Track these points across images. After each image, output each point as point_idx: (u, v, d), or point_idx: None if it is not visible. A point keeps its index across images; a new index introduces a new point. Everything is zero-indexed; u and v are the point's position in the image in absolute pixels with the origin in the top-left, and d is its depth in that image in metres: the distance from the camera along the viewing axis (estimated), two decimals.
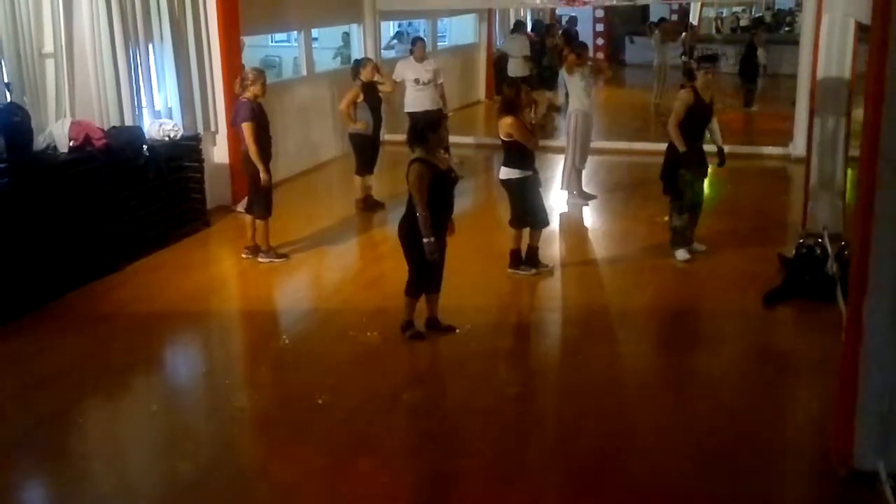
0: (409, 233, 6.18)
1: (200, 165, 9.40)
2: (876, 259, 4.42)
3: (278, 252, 8.40)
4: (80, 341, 6.69)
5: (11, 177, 7.10)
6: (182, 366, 6.78)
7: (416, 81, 10.98)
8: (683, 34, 19.49)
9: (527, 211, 7.70)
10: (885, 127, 4.28)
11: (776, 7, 24.10)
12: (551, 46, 17.03)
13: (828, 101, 8.19)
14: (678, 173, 7.90)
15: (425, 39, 13.20)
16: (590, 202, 10.20)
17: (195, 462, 5.05)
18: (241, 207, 9.13)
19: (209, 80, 9.88)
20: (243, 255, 8.39)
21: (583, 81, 10.00)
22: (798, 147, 11.42)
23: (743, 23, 23.14)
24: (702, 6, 22.80)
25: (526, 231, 7.79)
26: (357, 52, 13.27)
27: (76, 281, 7.58)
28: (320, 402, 5.65)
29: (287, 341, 6.79)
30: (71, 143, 7.83)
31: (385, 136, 11.00)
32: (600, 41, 24.88)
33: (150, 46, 9.18)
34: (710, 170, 8.21)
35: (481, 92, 18.16)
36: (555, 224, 8.98)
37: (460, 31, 18.51)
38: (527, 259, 7.84)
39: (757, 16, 22.92)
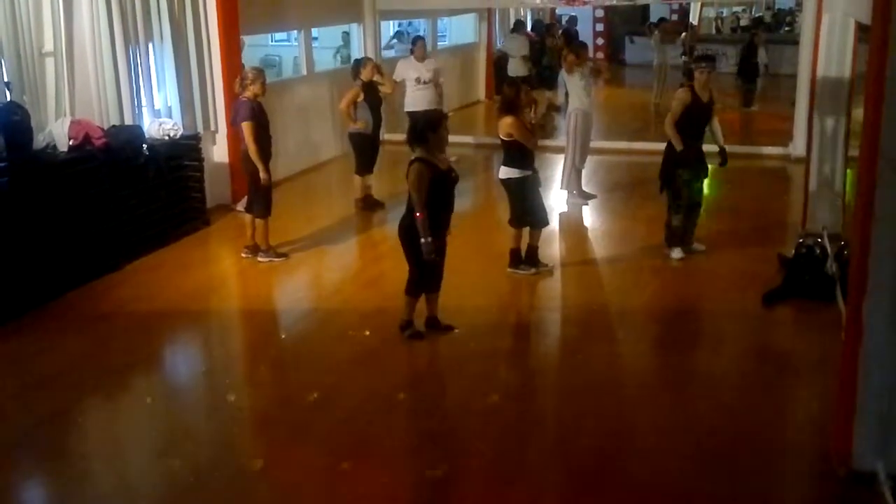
0: (409, 232, 6.18)
1: (200, 164, 9.40)
2: (875, 259, 4.42)
3: (278, 251, 8.40)
4: (80, 341, 6.69)
5: (11, 176, 7.10)
6: (182, 365, 6.78)
7: (418, 81, 10.98)
8: (683, 34, 19.49)
9: (526, 210, 7.70)
10: (884, 127, 4.28)
11: (776, 7, 24.10)
12: (551, 46, 17.04)
13: (828, 101, 8.19)
14: (676, 173, 7.91)
15: (426, 39, 13.19)
16: (589, 202, 10.21)
17: (195, 462, 5.04)
18: (240, 206, 9.14)
19: (209, 79, 9.88)
20: (243, 255, 8.39)
21: (582, 81, 10.00)
22: (798, 147, 11.42)
23: (743, 23, 23.15)
24: (702, 6, 22.82)
25: (526, 230, 7.80)
26: (357, 52, 13.27)
27: (76, 280, 7.58)
28: (315, 395, 5.67)
29: (286, 339, 6.80)
30: (71, 143, 7.83)
31: (385, 135, 10.99)
32: (600, 41, 24.91)
33: (150, 45, 9.19)
34: (710, 169, 8.22)
35: (481, 92, 18.16)
36: (554, 223, 8.98)
37: (460, 30, 18.51)
38: (526, 258, 7.84)
39: (757, 16, 22.92)
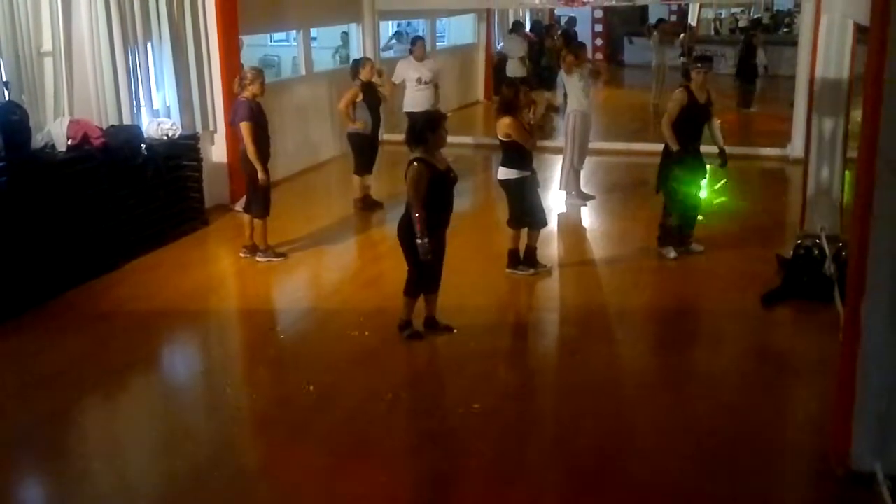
0: (408, 232, 6.18)
1: (199, 164, 9.40)
2: (874, 260, 4.42)
3: (276, 251, 8.40)
4: (79, 340, 6.68)
5: (9, 175, 7.10)
6: (181, 365, 6.78)
7: (419, 81, 10.97)
8: (682, 35, 19.50)
9: (525, 211, 7.71)
10: (883, 128, 4.29)
11: (775, 8, 24.11)
12: (550, 47, 17.05)
13: (826, 102, 8.20)
14: (672, 173, 7.93)
15: (425, 39, 13.19)
16: (588, 202, 10.21)
17: (194, 461, 5.05)
18: (239, 206, 9.14)
19: (208, 79, 9.88)
20: (241, 255, 8.39)
21: (581, 82, 10.01)
22: (796, 148, 11.43)
23: (742, 24, 23.16)
24: (700, 7, 22.82)
25: (524, 231, 7.80)
26: (356, 52, 13.27)
27: (75, 279, 7.58)
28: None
29: (284, 339, 6.80)
30: (69, 142, 7.82)
31: (384, 135, 10.99)
32: (599, 42, 24.92)
33: (149, 45, 9.18)
34: (708, 169, 8.23)
35: (480, 92, 18.17)
36: (553, 224, 8.99)
37: (459, 31, 18.52)
38: (525, 259, 7.84)
39: (756, 17, 22.93)
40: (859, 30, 7.33)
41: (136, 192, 8.40)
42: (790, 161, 11.74)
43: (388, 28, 17.30)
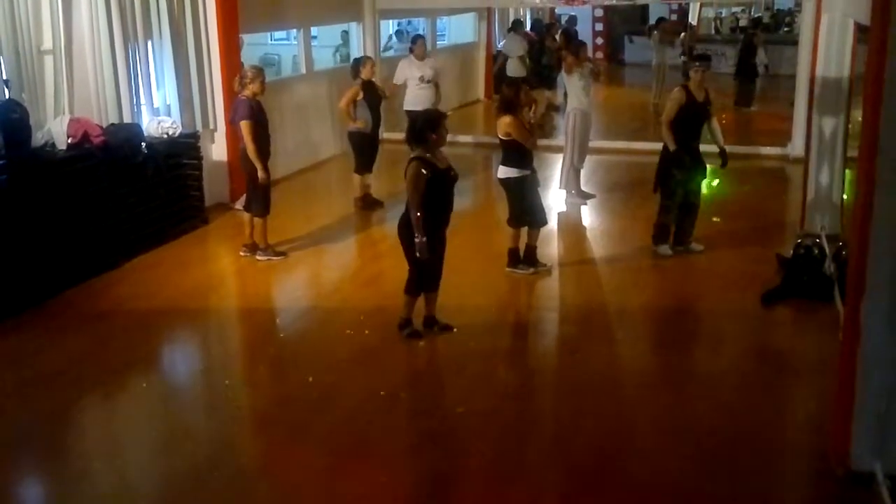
0: (408, 231, 6.18)
1: (199, 163, 9.40)
2: (873, 260, 4.42)
3: (276, 250, 8.40)
4: (79, 339, 6.68)
5: (10, 174, 7.10)
6: (181, 364, 6.78)
7: (421, 79, 10.96)
8: (682, 34, 19.49)
9: (525, 210, 7.70)
10: (883, 128, 4.29)
11: (775, 7, 24.10)
12: (550, 46, 17.03)
13: (826, 101, 8.20)
14: (670, 172, 7.93)
15: (425, 37, 13.18)
16: (588, 201, 10.21)
17: (194, 461, 5.05)
18: (239, 205, 9.14)
19: (208, 77, 9.87)
20: (241, 253, 8.39)
21: (581, 81, 10.00)
22: (796, 147, 11.43)
23: (742, 23, 23.15)
24: (701, 6, 22.82)
25: (524, 230, 7.80)
26: (356, 51, 13.26)
27: (75, 278, 7.58)
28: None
29: (284, 338, 6.81)
30: (69, 140, 7.82)
31: (384, 134, 10.98)
32: (600, 41, 24.92)
33: (149, 44, 9.18)
34: (709, 169, 8.23)
35: (480, 91, 18.16)
36: (553, 223, 8.99)
37: (459, 30, 18.50)
38: (525, 258, 7.84)
39: (756, 16, 22.93)
40: (860, 29, 7.33)
41: (137, 191, 8.40)
42: (790, 160, 11.74)
43: (389, 27, 17.29)
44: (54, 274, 7.39)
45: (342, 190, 10.65)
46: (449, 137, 6.42)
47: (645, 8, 22.95)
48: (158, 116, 9.17)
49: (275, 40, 15.41)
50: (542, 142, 10.10)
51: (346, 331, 6.70)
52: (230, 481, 4.85)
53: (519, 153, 7.55)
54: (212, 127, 10.02)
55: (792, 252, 7.50)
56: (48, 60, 8.05)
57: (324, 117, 12.39)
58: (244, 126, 7.94)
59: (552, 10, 21.23)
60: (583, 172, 10.41)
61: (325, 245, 8.86)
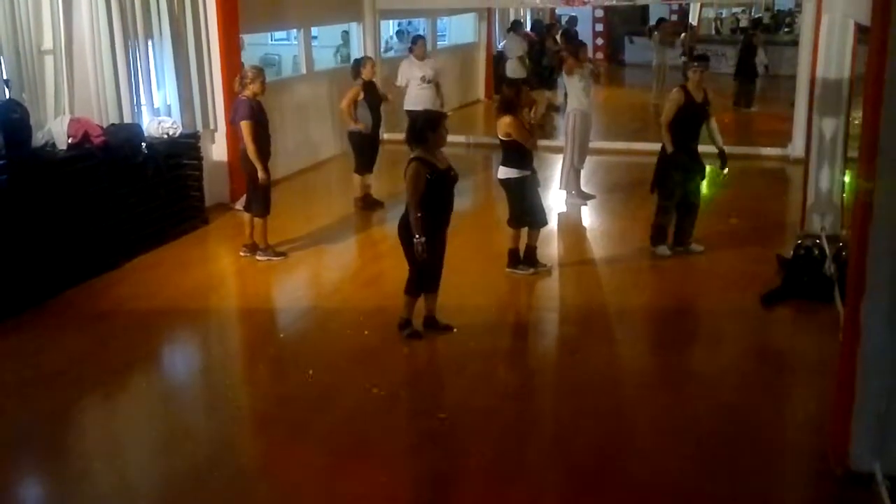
0: (408, 231, 6.18)
1: (199, 163, 9.41)
2: (873, 260, 4.43)
3: (276, 250, 8.40)
4: (79, 339, 6.68)
5: (10, 174, 7.10)
6: (181, 364, 6.78)
7: (422, 79, 10.96)
8: (683, 35, 19.50)
9: (525, 210, 7.71)
10: (883, 128, 4.29)
11: (776, 8, 24.11)
12: (550, 47, 17.03)
13: (827, 102, 8.20)
14: (668, 173, 7.94)
15: (425, 38, 13.18)
16: (588, 202, 10.21)
17: (194, 461, 5.05)
18: (239, 205, 9.14)
19: (208, 77, 9.88)
20: (241, 253, 8.39)
21: (582, 82, 10.00)
22: (797, 148, 11.44)
23: (743, 24, 23.17)
24: (701, 7, 22.83)
25: (524, 230, 7.80)
26: (357, 51, 13.27)
27: (75, 278, 7.58)
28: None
29: (284, 338, 6.81)
30: (70, 141, 7.83)
31: (384, 134, 10.98)
32: (600, 41, 24.93)
33: (150, 44, 9.19)
34: (708, 170, 8.23)
35: (481, 91, 18.16)
36: (553, 224, 8.99)
37: (460, 30, 18.51)
38: (525, 258, 7.84)
39: (756, 17, 22.93)
40: (860, 30, 7.33)
41: (137, 191, 8.40)
42: (791, 161, 11.74)
43: (389, 27, 17.29)
44: (55, 274, 7.39)
45: (342, 190, 10.66)
46: (449, 138, 6.42)
47: (645, 8, 22.97)
48: (159, 116, 9.17)
49: (275, 40, 15.42)
50: (543, 142, 10.10)
51: (346, 331, 6.70)
52: (230, 481, 4.85)
53: (519, 154, 7.55)
54: (212, 127, 10.03)
55: (792, 253, 7.50)
56: (48, 60, 8.06)
57: (324, 117, 12.40)
58: (244, 126, 7.94)
59: (552, 10, 21.24)
60: (583, 173, 10.41)
61: (325, 245, 8.86)
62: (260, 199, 8.19)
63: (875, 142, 4.32)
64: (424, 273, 6.38)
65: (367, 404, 5.61)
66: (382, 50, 14.79)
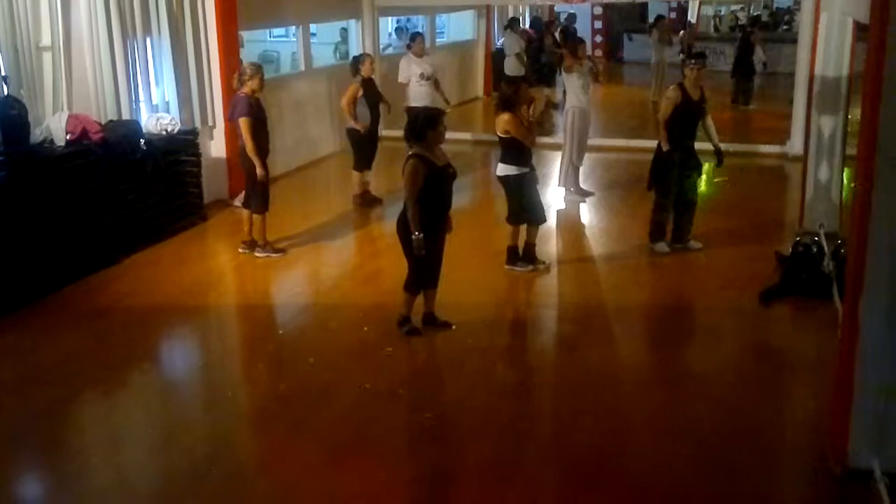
0: (407, 228, 6.18)
1: (198, 160, 9.40)
2: (872, 257, 4.43)
3: (275, 247, 8.40)
4: (78, 335, 6.68)
5: (8, 170, 7.09)
6: (179, 360, 6.77)
7: (421, 76, 10.95)
8: (682, 32, 19.50)
9: (524, 207, 7.70)
10: (882, 126, 4.29)
11: (774, 5, 24.12)
12: (549, 44, 17.03)
13: (825, 99, 8.20)
14: (664, 171, 7.94)
15: (424, 35, 13.17)
16: (587, 199, 10.21)
17: (193, 457, 5.05)
18: (238, 202, 9.14)
19: (207, 74, 9.87)
20: (240, 250, 8.39)
21: (580, 79, 10.00)
22: (795, 145, 11.44)
23: (742, 21, 23.19)
24: (700, 4, 22.85)
25: (523, 227, 7.80)
26: (355, 48, 13.25)
27: (73, 274, 7.58)
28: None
29: (283, 334, 6.81)
30: (68, 137, 7.82)
31: (383, 131, 10.97)
32: (599, 38, 24.93)
33: (148, 40, 9.17)
34: (707, 167, 8.23)
35: (479, 88, 18.16)
36: (552, 221, 8.99)
37: (459, 27, 18.49)
38: (524, 255, 7.84)
39: (755, 14, 22.95)
40: (859, 27, 7.33)
41: (135, 188, 8.40)
42: (789, 158, 11.75)
43: (388, 24, 17.28)
44: (53, 270, 7.39)
45: (341, 187, 10.66)
46: (448, 135, 6.42)
47: (644, 6, 22.98)
48: (157, 113, 9.16)
49: (274, 37, 15.41)
50: (541, 139, 10.11)
51: (344, 328, 6.70)
52: (228, 478, 4.85)
53: (518, 151, 7.55)
54: (210, 124, 10.02)
55: (791, 250, 7.51)
56: (47, 57, 8.05)
57: (323, 114, 12.39)
58: (243, 123, 7.93)
59: (551, 7, 21.23)
60: (581, 170, 10.42)
61: (323, 242, 8.85)
62: (259, 195, 8.18)
63: (874, 139, 4.31)
64: (423, 270, 6.38)
65: (365, 401, 5.61)
66: (382, 48, 14.77)
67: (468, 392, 5.77)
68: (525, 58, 15.97)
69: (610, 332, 6.87)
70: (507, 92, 7.67)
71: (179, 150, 9.13)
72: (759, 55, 16.85)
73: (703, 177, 8.40)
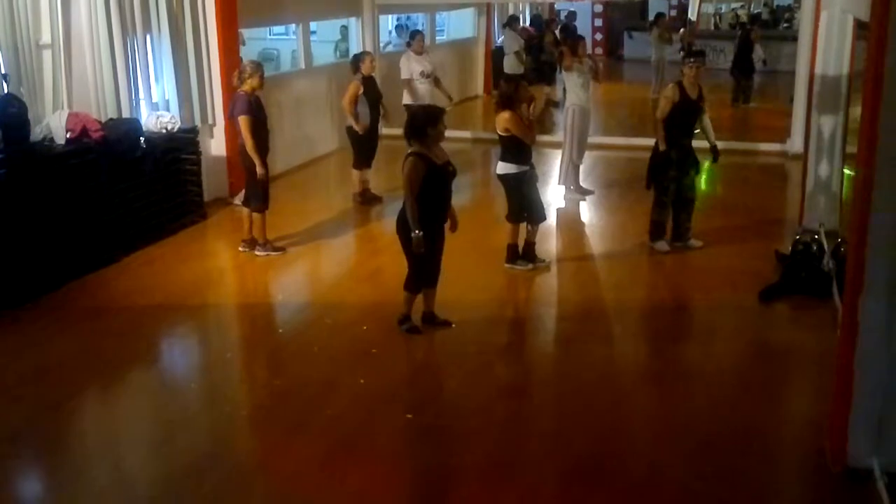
0: (406, 227, 6.18)
1: (197, 158, 9.40)
2: (872, 256, 4.42)
3: (275, 245, 8.39)
4: (77, 334, 6.68)
5: (8, 168, 7.09)
6: (179, 359, 6.77)
7: (421, 74, 10.96)
8: (682, 30, 19.50)
9: (524, 206, 7.70)
10: (882, 124, 4.29)
11: (775, 3, 24.11)
12: (550, 42, 17.02)
13: (826, 97, 8.20)
14: (661, 169, 7.94)
15: (424, 33, 13.16)
16: (587, 197, 10.21)
17: (192, 456, 5.04)
18: (238, 200, 9.13)
19: (207, 72, 9.86)
20: (240, 249, 8.39)
21: (580, 78, 9.99)
22: (795, 144, 11.43)
23: (743, 19, 23.18)
24: (700, 2, 22.82)
25: (523, 226, 7.80)
26: (355, 46, 13.25)
27: (73, 273, 7.58)
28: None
29: (283, 333, 6.81)
30: (68, 135, 7.82)
31: (383, 129, 10.98)
32: (599, 36, 24.93)
33: (148, 38, 9.17)
34: (706, 165, 8.23)
35: (480, 86, 18.15)
36: (552, 219, 8.99)
37: (459, 25, 18.49)
38: (524, 254, 7.84)
39: (756, 12, 22.94)
40: (859, 25, 7.33)
41: (135, 186, 8.40)
42: (789, 156, 11.74)
43: (388, 22, 17.28)
44: (53, 269, 7.38)
45: (341, 185, 10.66)
46: (449, 133, 6.41)
47: (644, 3, 22.97)
48: (157, 111, 9.16)
49: (273, 35, 15.40)
50: (541, 138, 10.10)
51: (344, 326, 6.70)
52: (228, 476, 4.85)
53: (518, 149, 7.55)
54: (210, 122, 10.02)
55: (790, 248, 7.51)
56: (47, 55, 8.04)
57: (322, 113, 12.38)
58: (242, 121, 7.93)
59: (552, 5, 21.22)
60: (581, 168, 10.41)
61: (323, 240, 8.85)
62: (259, 194, 8.18)
63: (874, 138, 4.31)
64: (423, 268, 6.38)
65: (365, 399, 5.61)
66: (383, 46, 14.76)
67: (467, 390, 5.77)
68: (524, 56, 15.94)
69: (610, 330, 6.86)
70: (507, 90, 7.67)
71: (179, 148, 9.13)
72: (758, 53, 16.83)
73: (702, 175, 8.37)
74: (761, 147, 12.57)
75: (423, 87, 10.94)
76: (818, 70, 8.22)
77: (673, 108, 7.85)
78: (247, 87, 8.00)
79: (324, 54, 14.26)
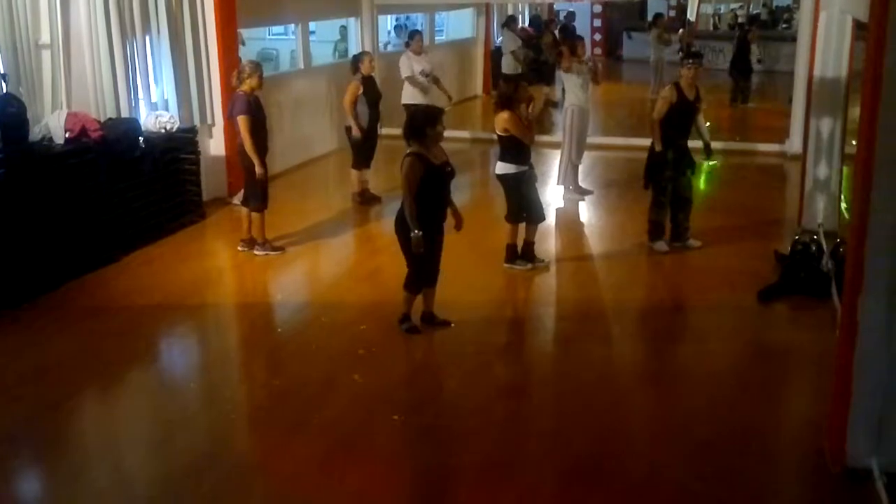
0: (405, 227, 6.18)
1: (196, 158, 9.40)
2: (871, 256, 4.42)
3: (274, 245, 8.39)
4: (76, 333, 6.67)
5: (7, 168, 7.08)
6: (178, 359, 6.77)
7: (422, 74, 10.96)
8: (681, 30, 19.52)
9: (523, 206, 7.71)
10: (881, 124, 4.29)
11: (774, 4, 24.12)
12: (548, 42, 17.02)
13: (825, 98, 8.21)
14: (658, 169, 7.95)
15: (423, 33, 13.17)
16: (586, 197, 10.21)
17: (191, 455, 5.04)
18: (236, 200, 9.13)
19: (206, 72, 9.86)
20: (239, 248, 8.38)
21: (579, 78, 10.00)
22: (794, 144, 11.44)
23: (741, 20, 23.19)
24: (699, 2, 22.83)
25: (522, 226, 7.80)
26: (355, 46, 13.25)
27: (72, 272, 7.57)
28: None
29: (282, 333, 6.81)
30: (67, 135, 7.81)
31: (382, 129, 10.98)
32: (598, 36, 24.93)
33: (147, 38, 9.16)
34: (705, 166, 8.24)
35: (479, 86, 18.15)
36: (551, 219, 8.99)
37: (458, 25, 18.49)
38: (523, 254, 7.84)
39: (755, 13, 22.94)
40: (858, 26, 7.33)
41: (134, 186, 8.40)
42: (788, 157, 11.75)
43: (387, 22, 17.28)
44: (52, 268, 7.38)
45: (340, 185, 10.66)
46: (447, 133, 6.41)
47: (643, 4, 22.97)
48: (156, 111, 9.16)
49: (272, 35, 15.40)
50: (540, 138, 10.10)
51: (343, 326, 6.70)
52: (227, 476, 4.84)
53: (517, 149, 7.55)
54: (209, 122, 10.01)
55: (789, 248, 7.51)
56: (46, 55, 8.03)
57: (322, 112, 12.38)
58: (241, 121, 7.93)
59: (551, 5, 21.22)
60: (581, 168, 10.42)
61: (322, 240, 8.85)
62: (257, 193, 8.18)
63: (873, 138, 4.31)
64: (422, 268, 6.38)
65: (364, 399, 5.61)
66: (382, 46, 14.76)
67: (467, 390, 5.77)
68: (522, 56, 15.94)
69: (609, 330, 6.87)
70: (506, 90, 7.67)
71: (178, 148, 9.13)
72: (754, 53, 16.84)
73: (699, 175, 8.38)
74: (760, 147, 12.58)
75: (423, 80, 10.97)
76: (817, 71, 8.23)
77: (670, 108, 7.86)
78: (246, 87, 8.00)
79: (323, 54, 14.26)
